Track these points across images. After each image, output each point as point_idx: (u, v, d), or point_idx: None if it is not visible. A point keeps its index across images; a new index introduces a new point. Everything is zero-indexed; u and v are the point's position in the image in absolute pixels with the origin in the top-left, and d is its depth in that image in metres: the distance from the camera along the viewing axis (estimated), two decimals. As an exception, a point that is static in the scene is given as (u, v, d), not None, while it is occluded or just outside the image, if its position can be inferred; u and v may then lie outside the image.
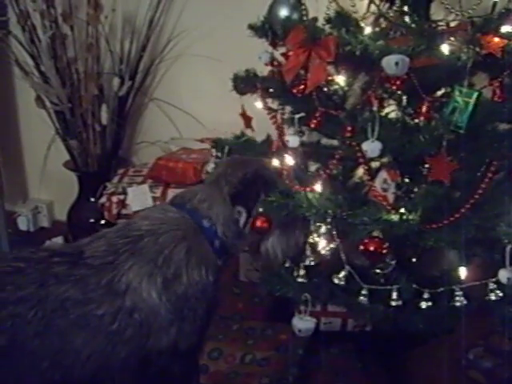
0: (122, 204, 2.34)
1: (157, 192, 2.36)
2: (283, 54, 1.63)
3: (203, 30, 2.56)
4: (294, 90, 1.57)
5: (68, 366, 1.34)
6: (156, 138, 2.76)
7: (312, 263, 1.58)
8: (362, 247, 1.46)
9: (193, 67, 2.69)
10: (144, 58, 2.66)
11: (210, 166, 1.92)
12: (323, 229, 1.54)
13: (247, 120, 1.85)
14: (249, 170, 1.57)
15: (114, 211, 2.33)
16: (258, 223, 1.58)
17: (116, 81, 2.59)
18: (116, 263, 1.39)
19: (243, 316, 2.36)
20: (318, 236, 1.58)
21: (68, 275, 1.35)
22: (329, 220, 1.52)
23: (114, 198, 2.35)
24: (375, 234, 1.46)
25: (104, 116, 2.61)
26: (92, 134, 2.69)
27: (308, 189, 1.59)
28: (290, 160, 1.63)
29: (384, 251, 1.44)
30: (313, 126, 1.57)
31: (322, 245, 1.56)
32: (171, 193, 2.33)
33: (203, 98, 2.67)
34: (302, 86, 1.54)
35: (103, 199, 2.38)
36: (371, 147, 1.40)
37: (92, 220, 2.60)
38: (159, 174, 2.43)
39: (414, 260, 1.73)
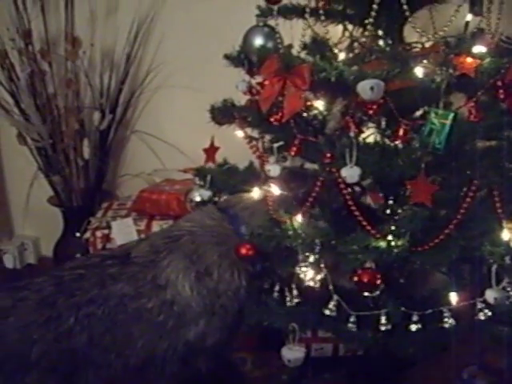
0: (107, 238, 2.31)
1: (141, 225, 2.34)
2: (259, 83, 1.64)
3: (182, 62, 2.57)
4: (272, 119, 1.57)
5: (127, 355, 1.52)
6: (139, 170, 2.75)
7: (296, 300, 1.56)
8: (355, 278, 1.46)
9: (173, 98, 2.69)
10: (124, 91, 2.67)
11: (194, 195, 1.92)
12: (311, 259, 1.53)
13: (211, 152, 1.85)
14: None
15: (99, 246, 2.30)
16: (243, 251, 1.57)
17: (97, 115, 2.59)
18: (157, 260, 1.55)
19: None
20: (306, 266, 1.55)
21: (121, 274, 1.53)
22: (317, 250, 1.52)
23: (99, 233, 2.33)
24: (368, 264, 1.46)
25: (86, 150, 2.60)
26: (75, 168, 2.69)
27: (294, 217, 1.58)
28: (274, 189, 1.62)
29: (378, 282, 1.44)
30: (293, 153, 1.56)
31: (310, 275, 1.54)
32: (156, 225, 2.32)
33: (185, 129, 2.66)
34: (280, 115, 1.53)
35: (87, 234, 2.36)
36: (350, 173, 1.40)
37: (78, 255, 2.57)
38: (143, 206, 2.41)
39: (401, 282, 1.72)
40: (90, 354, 1.50)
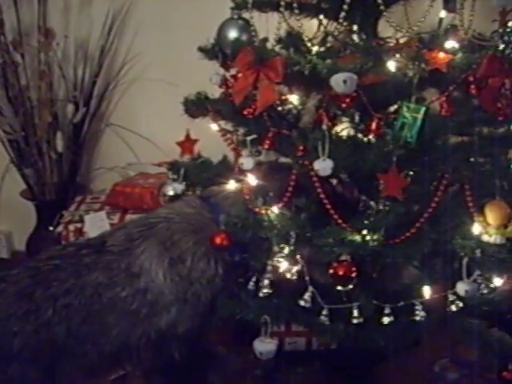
0: (80, 232, 2.28)
1: (114, 218, 2.32)
2: (233, 76, 1.63)
3: (157, 54, 2.56)
4: (245, 112, 1.56)
5: (102, 343, 1.53)
6: (114, 163, 2.73)
7: (266, 291, 1.56)
8: (331, 271, 1.46)
9: (148, 91, 2.67)
10: (98, 83, 2.64)
11: (167, 189, 1.90)
12: (286, 250, 1.53)
13: (188, 145, 1.83)
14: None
15: (72, 240, 2.27)
16: (218, 240, 1.57)
17: (70, 107, 2.56)
18: (132, 248, 1.55)
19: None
20: (281, 258, 1.55)
21: (96, 263, 1.53)
22: (292, 241, 1.52)
23: (71, 227, 2.30)
24: (343, 257, 1.46)
25: (59, 143, 2.57)
26: (48, 162, 2.65)
27: (270, 209, 1.57)
28: (250, 179, 1.61)
29: (353, 274, 1.45)
30: (266, 146, 1.56)
31: (284, 267, 1.54)
32: (129, 219, 2.29)
33: (160, 122, 2.64)
34: (253, 108, 1.52)
35: (60, 228, 2.33)
36: (322, 166, 1.39)
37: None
38: (116, 200, 2.39)
39: (374, 276, 1.73)
40: (68, 344, 1.51)
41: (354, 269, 1.45)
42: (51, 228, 2.58)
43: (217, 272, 1.58)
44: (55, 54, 2.56)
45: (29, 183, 2.71)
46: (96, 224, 2.27)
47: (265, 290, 1.56)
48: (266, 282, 1.55)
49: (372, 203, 1.62)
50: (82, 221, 2.31)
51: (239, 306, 1.65)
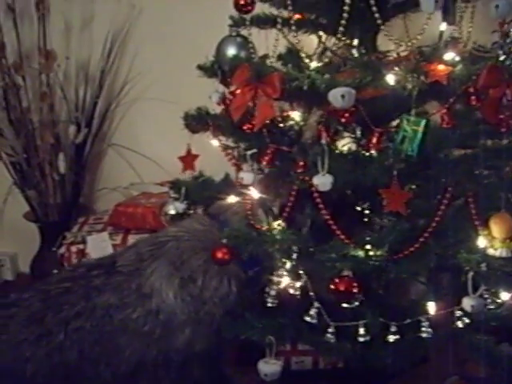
0: (82, 253, 2.27)
1: (117, 239, 2.30)
2: (231, 93, 1.62)
3: (158, 73, 2.55)
4: (245, 127, 1.55)
5: (116, 364, 1.52)
6: (117, 183, 2.71)
7: (273, 304, 1.53)
8: (332, 286, 1.44)
9: (149, 111, 2.66)
10: (100, 104, 2.63)
11: (168, 208, 1.89)
12: (288, 265, 1.50)
13: (189, 160, 1.82)
14: None
15: (74, 261, 2.26)
16: (219, 255, 1.55)
17: (72, 128, 2.55)
18: (142, 268, 1.55)
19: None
20: (283, 273, 1.53)
21: (106, 284, 1.53)
22: (294, 256, 1.49)
23: (73, 248, 2.28)
24: (345, 272, 1.44)
25: (61, 165, 2.55)
26: (51, 183, 2.64)
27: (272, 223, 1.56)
28: (253, 193, 1.59)
29: (355, 290, 1.43)
30: (265, 162, 1.55)
31: (286, 282, 1.51)
32: (131, 239, 2.28)
33: (162, 141, 2.63)
34: (252, 124, 1.51)
35: (62, 249, 2.31)
36: (322, 181, 1.38)
37: (55, 271, 2.52)
38: (119, 220, 2.38)
39: (379, 292, 1.70)
40: (80, 366, 1.51)
41: (355, 284, 1.42)
42: (54, 249, 2.56)
43: (230, 290, 1.57)
44: (56, 75, 2.56)
45: (32, 205, 2.69)
46: (98, 245, 2.25)
47: (270, 300, 1.53)
48: (273, 292, 1.52)
49: (376, 219, 1.60)
50: (84, 242, 2.30)
51: (244, 327, 1.63)
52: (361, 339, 1.53)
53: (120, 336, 1.52)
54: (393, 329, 1.54)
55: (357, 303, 1.50)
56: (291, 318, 1.59)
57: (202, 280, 1.55)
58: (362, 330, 1.53)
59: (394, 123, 1.61)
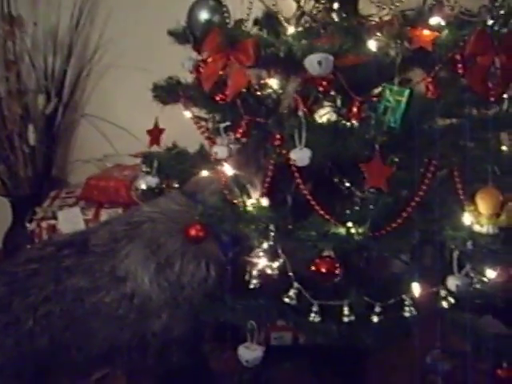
0: (53, 229, 2.19)
1: (89, 214, 2.22)
2: (203, 61, 1.51)
3: (131, 40, 2.46)
4: (217, 98, 1.45)
5: (88, 348, 1.47)
6: (91, 155, 2.63)
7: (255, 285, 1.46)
8: (313, 268, 1.37)
9: (123, 79, 2.56)
10: (70, 72, 2.53)
11: (139, 183, 1.80)
12: (265, 245, 1.43)
13: (155, 134, 1.72)
14: None
15: (45, 237, 2.17)
16: (193, 232, 1.46)
17: (41, 98, 2.45)
18: (116, 250, 1.47)
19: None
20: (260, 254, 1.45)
21: (77, 265, 1.45)
22: (272, 235, 1.42)
23: (44, 224, 2.20)
24: (326, 252, 1.37)
25: (31, 137, 2.46)
26: (21, 156, 2.54)
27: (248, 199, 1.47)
28: (227, 169, 1.50)
29: (337, 271, 1.36)
30: (239, 135, 1.45)
31: (265, 263, 1.44)
32: (104, 213, 2.20)
33: (137, 111, 2.50)
34: (225, 94, 1.42)
35: (32, 225, 2.22)
36: (299, 155, 1.29)
37: (29, 246, 2.44)
38: (91, 194, 2.29)
39: (361, 269, 1.64)
40: (51, 352, 1.45)
41: (337, 265, 1.35)
42: (28, 225, 2.48)
43: (209, 274, 1.50)
44: (24, 42, 2.43)
45: (1, 178, 2.60)
46: (70, 220, 2.17)
47: (254, 281, 1.45)
48: (255, 273, 1.44)
49: (358, 193, 1.53)
50: (55, 217, 2.21)
51: (223, 309, 1.56)
52: (345, 319, 1.45)
53: (92, 320, 1.46)
54: (377, 309, 1.47)
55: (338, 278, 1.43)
56: (272, 298, 1.51)
57: (180, 264, 1.47)
58: (346, 310, 1.45)
59: (376, 91, 1.53)
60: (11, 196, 2.65)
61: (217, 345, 1.87)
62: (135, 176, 2.10)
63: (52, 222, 2.21)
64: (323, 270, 1.37)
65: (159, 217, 1.53)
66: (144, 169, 1.81)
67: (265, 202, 1.47)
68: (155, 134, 1.71)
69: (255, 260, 1.43)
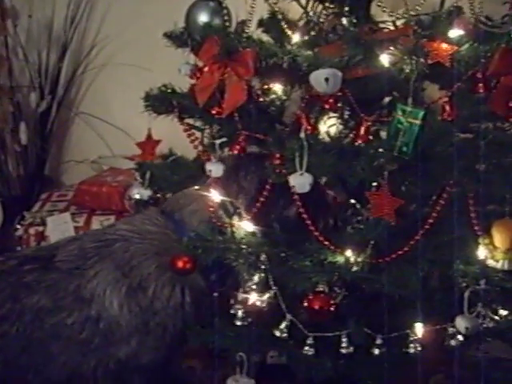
0: (41, 236, 2.08)
1: (80, 221, 2.11)
2: (199, 70, 1.39)
3: (129, 36, 2.36)
4: (213, 111, 1.34)
5: (47, 372, 1.38)
6: (85, 155, 2.54)
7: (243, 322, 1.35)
8: (305, 304, 1.28)
9: (120, 77, 2.47)
10: (65, 68, 2.43)
11: (133, 192, 1.68)
12: (256, 278, 1.32)
13: (149, 147, 1.60)
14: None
15: (33, 245, 2.06)
16: (180, 264, 1.35)
17: (34, 95, 2.34)
18: (83, 268, 1.38)
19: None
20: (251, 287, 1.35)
21: (39, 282, 1.37)
22: (263, 267, 1.31)
23: (32, 230, 2.09)
24: (321, 287, 1.27)
25: (23, 135, 2.38)
26: (13, 155, 2.45)
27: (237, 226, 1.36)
28: (214, 194, 1.38)
29: (331, 308, 1.26)
30: (236, 151, 1.34)
31: (255, 297, 1.33)
32: (96, 221, 2.09)
33: (134, 110, 2.38)
34: (221, 107, 1.30)
35: (20, 231, 2.12)
36: (299, 181, 1.17)
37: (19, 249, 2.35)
38: (82, 199, 2.18)
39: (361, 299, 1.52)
40: (6, 376, 1.37)
41: (331, 302, 1.26)
42: (18, 226, 2.38)
43: (184, 300, 1.39)
44: (17, 35, 2.32)
45: (-9, 178, 2.51)
46: (59, 227, 2.06)
47: (239, 323, 1.35)
48: (240, 313, 1.35)
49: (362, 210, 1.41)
50: (44, 223, 2.10)
51: (213, 335, 1.45)
52: (343, 351, 1.35)
53: (52, 343, 1.37)
54: (378, 341, 1.36)
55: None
56: (266, 326, 1.40)
57: (154, 288, 1.37)
58: (344, 341, 1.35)
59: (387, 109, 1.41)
60: (2, 196, 2.56)
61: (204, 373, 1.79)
62: (130, 182, 1.99)
63: (40, 228, 2.11)
64: (316, 307, 1.27)
65: (134, 236, 1.43)
66: (137, 178, 1.70)
67: (249, 226, 1.36)
68: (148, 147, 1.59)
69: (244, 296, 1.32)
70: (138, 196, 1.67)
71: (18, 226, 2.30)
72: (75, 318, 1.36)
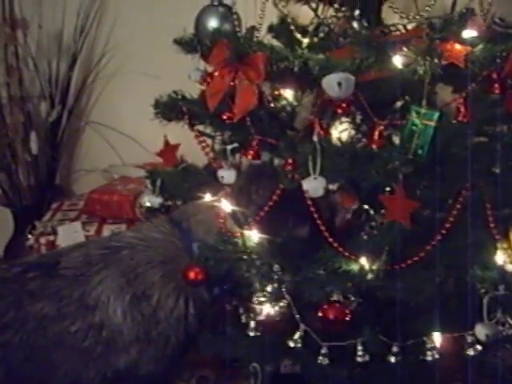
0: (53, 245, 2.07)
1: (91, 229, 2.10)
2: (209, 75, 1.38)
3: (138, 45, 2.36)
4: (224, 117, 1.32)
5: (49, 382, 1.35)
6: (95, 164, 2.53)
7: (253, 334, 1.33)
8: (320, 314, 1.26)
9: (130, 86, 2.47)
10: (75, 78, 2.43)
11: (144, 200, 1.67)
12: (269, 288, 1.30)
13: (169, 153, 1.59)
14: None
15: (44, 254, 2.06)
16: (192, 275, 1.33)
17: (45, 105, 2.34)
18: (88, 275, 1.35)
19: (195, 363, 2.09)
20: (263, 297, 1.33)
21: (43, 289, 1.34)
22: (276, 277, 1.29)
23: (43, 239, 2.08)
24: (335, 297, 1.25)
25: (34, 145, 2.37)
26: (23, 165, 2.44)
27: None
28: (224, 204, 1.36)
29: (347, 318, 1.24)
30: (249, 157, 1.32)
31: (268, 308, 1.32)
32: (107, 230, 2.08)
33: (144, 119, 2.38)
34: (232, 112, 1.28)
35: (31, 241, 2.11)
36: (313, 185, 1.15)
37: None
38: (93, 208, 2.17)
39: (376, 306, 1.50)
40: None
41: (347, 311, 1.23)
42: (29, 236, 2.38)
43: (187, 311, 1.37)
44: (27, 45, 2.33)
45: (3, 188, 2.51)
46: (70, 236, 2.05)
47: (251, 333, 1.33)
48: (253, 324, 1.32)
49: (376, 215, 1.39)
50: (55, 232, 2.09)
51: (225, 344, 1.44)
52: (359, 359, 1.32)
53: (55, 352, 1.34)
54: (395, 349, 1.33)
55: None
56: (279, 336, 1.38)
57: (157, 298, 1.35)
58: (360, 349, 1.32)
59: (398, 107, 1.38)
60: (13, 206, 2.56)
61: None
62: (140, 190, 1.98)
63: (51, 237, 2.09)
64: (331, 317, 1.24)
65: (139, 243, 1.41)
66: (148, 185, 1.69)
67: (260, 237, 1.33)
68: (169, 153, 1.58)
69: (256, 307, 1.30)
70: (148, 204, 1.66)
71: (29, 236, 2.30)
72: (79, 326, 1.33)
